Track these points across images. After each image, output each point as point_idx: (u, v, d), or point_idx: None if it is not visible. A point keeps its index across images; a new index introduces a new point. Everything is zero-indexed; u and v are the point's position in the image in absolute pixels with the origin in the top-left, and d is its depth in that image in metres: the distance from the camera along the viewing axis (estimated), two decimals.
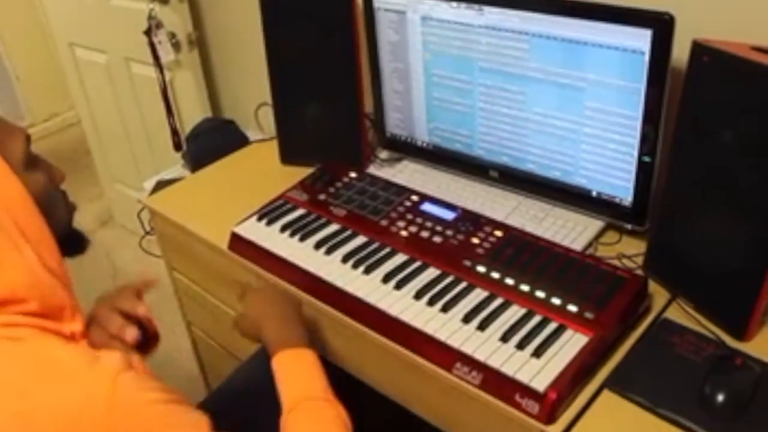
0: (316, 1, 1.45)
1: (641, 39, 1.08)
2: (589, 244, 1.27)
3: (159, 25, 1.96)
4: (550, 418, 0.95)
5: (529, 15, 1.19)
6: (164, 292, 1.74)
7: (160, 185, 1.83)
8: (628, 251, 1.25)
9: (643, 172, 1.19)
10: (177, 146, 2.16)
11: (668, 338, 1.07)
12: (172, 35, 2.00)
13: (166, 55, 2.00)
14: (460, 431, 1.11)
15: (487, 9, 1.25)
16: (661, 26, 1.06)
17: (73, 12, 2.37)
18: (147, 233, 1.73)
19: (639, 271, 1.18)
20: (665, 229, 1.15)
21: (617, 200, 1.26)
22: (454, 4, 1.29)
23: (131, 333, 0.99)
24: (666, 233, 1.15)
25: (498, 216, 1.33)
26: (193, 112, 2.13)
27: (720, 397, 0.95)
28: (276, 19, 1.49)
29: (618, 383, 1.00)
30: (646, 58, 1.09)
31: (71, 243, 0.98)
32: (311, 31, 1.47)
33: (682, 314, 1.12)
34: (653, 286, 1.15)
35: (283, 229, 1.34)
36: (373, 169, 1.58)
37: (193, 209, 1.54)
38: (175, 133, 2.16)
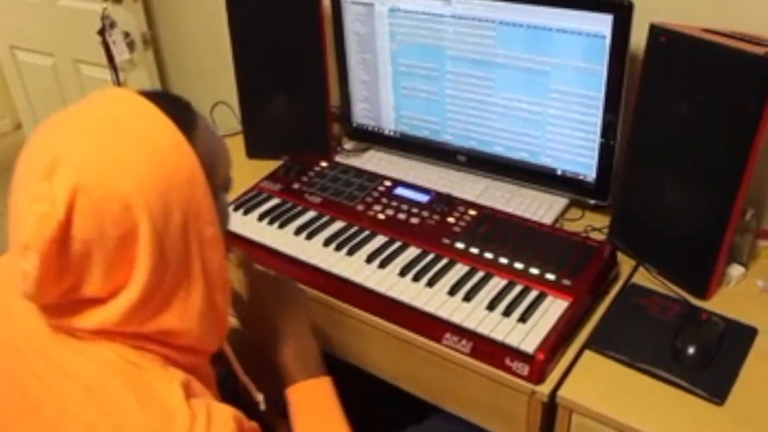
0: None
1: (602, 24, 1.16)
2: (556, 221, 1.35)
3: (113, 25, 1.95)
4: (539, 378, 1.01)
5: (494, 4, 1.26)
6: None
7: None
8: (594, 224, 1.33)
9: (605, 148, 1.27)
10: None
11: (638, 301, 1.15)
12: (126, 34, 1.99)
13: (121, 54, 1.98)
14: (452, 402, 1.15)
15: None
16: (621, 12, 1.14)
17: (14, 13, 2.31)
18: None
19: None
20: (627, 200, 1.23)
21: (581, 177, 1.34)
22: None
23: None
24: (627, 204, 1.23)
25: (468, 197, 1.39)
26: None
27: (691, 350, 1.03)
28: (242, 12, 1.51)
29: (598, 343, 1.08)
30: (608, 41, 1.17)
31: None
32: (277, 24, 1.50)
33: (648, 279, 1.20)
34: (620, 255, 1.23)
35: (261, 217, 1.37)
36: (340, 159, 1.62)
37: None
38: None
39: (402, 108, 1.53)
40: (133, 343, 0.75)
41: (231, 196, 1.42)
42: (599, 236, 1.29)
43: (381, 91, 1.54)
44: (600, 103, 1.23)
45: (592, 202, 1.35)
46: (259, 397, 0.96)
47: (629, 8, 1.13)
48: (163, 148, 0.72)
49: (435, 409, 1.18)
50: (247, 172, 1.56)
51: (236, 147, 1.69)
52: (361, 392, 1.17)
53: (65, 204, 0.67)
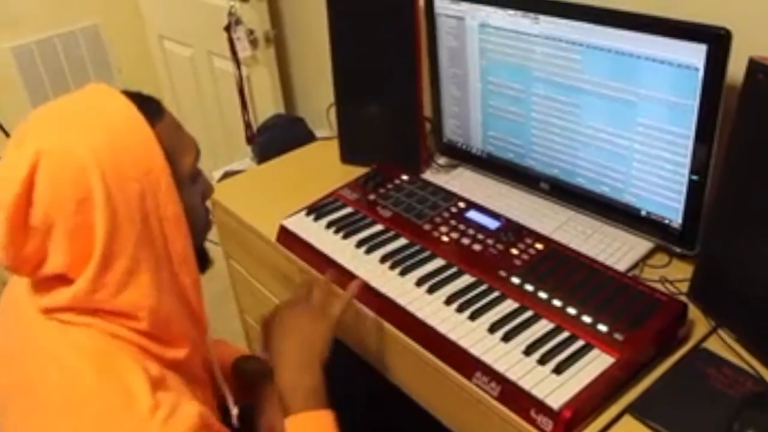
0: (381, 4, 1.47)
1: (696, 54, 1.04)
2: (635, 265, 1.23)
3: (238, 22, 2.03)
4: None
5: (582, 25, 1.17)
6: (224, 281, 1.80)
7: (227, 176, 1.90)
8: (676, 275, 1.20)
9: (694, 193, 1.14)
10: (249, 139, 2.23)
11: (703, 369, 1.02)
12: (250, 32, 2.07)
13: (243, 51, 2.07)
14: None
15: (542, 18, 1.23)
16: (717, 42, 1.01)
17: (163, 6, 2.49)
18: None
19: (681, 297, 1.13)
20: (713, 254, 1.10)
21: (666, 221, 1.21)
22: (511, 11, 1.28)
23: None
24: (713, 258, 1.10)
25: (546, 229, 1.31)
26: (266, 108, 2.20)
27: None
28: (342, 21, 1.53)
29: (641, 410, 0.97)
30: (701, 74, 1.05)
31: (198, 260, 0.93)
32: (375, 34, 1.49)
33: (722, 346, 1.06)
34: (695, 314, 1.11)
35: (329, 225, 1.37)
36: (429, 174, 1.59)
37: (250, 200, 1.59)
38: (248, 126, 2.23)
39: (489, 127, 1.46)
40: (111, 330, 0.80)
41: (312, 198, 1.46)
42: (674, 290, 1.16)
43: (470, 108, 1.48)
44: (689, 142, 1.10)
45: (678, 250, 1.22)
46: (234, 411, 0.96)
47: (726, 38, 1.00)
48: (122, 124, 0.80)
49: None
50: (337, 176, 1.57)
51: (332, 151, 1.71)
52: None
53: (29, 166, 0.75)
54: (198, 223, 0.92)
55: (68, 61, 3.50)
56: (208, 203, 1.00)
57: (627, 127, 1.19)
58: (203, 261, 0.98)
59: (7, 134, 2.49)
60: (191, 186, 0.90)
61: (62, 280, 0.80)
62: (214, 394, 0.99)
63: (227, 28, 2.06)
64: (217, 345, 1.14)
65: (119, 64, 3.71)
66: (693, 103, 1.07)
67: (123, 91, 0.85)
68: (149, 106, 0.84)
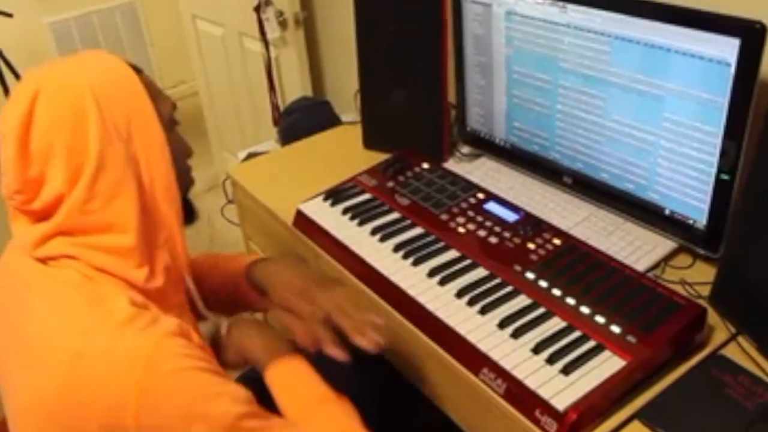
0: None
1: (728, 48, 0.99)
2: (656, 265, 1.19)
3: (268, 2, 2.02)
4: None
5: (611, 16, 1.12)
6: None
7: (251, 157, 1.89)
8: (697, 278, 1.16)
9: (721, 193, 1.10)
10: (276, 121, 2.22)
11: (720, 376, 0.99)
12: (280, 13, 2.05)
13: (272, 32, 2.05)
14: None
15: (570, 7, 1.19)
16: (752, 36, 0.97)
17: None
18: (229, 201, 1.79)
19: (701, 301, 1.09)
20: (736, 256, 1.06)
21: (690, 221, 1.17)
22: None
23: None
24: (737, 262, 1.05)
25: (567, 223, 1.28)
26: (294, 90, 2.18)
27: None
28: (368, 6, 1.50)
29: (651, 416, 0.94)
30: (732, 69, 1.00)
31: (183, 212, 1.00)
32: (401, 19, 1.47)
33: (741, 354, 1.02)
34: (715, 319, 1.07)
35: (345, 211, 1.35)
36: (452, 163, 1.56)
37: (269, 182, 1.58)
38: (275, 108, 2.23)
39: (514, 118, 1.43)
40: (96, 264, 0.87)
41: (331, 183, 1.44)
42: (700, 292, 1.12)
43: (495, 97, 1.45)
44: (718, 141, 1.06)
45: (701, 251, 1.17)
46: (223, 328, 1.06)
47: (761, 32, 0.95)
48: (113, 68, 0.92)
49: None
50: (359, 161, 1.56)
51: (355, 136, 1.69)
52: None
53: (30, 97, 0.85)
54: (180, 172, 0.97)
55: (104, 36, 3.54)
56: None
57: (654, 122, 1.14)
58: (189, 213, 1.05)
59: None
60: (170, 132, 0.96)
61: (57, 207, 0.87)
62: (195, 318, 1.07)
63: (257, 9, 2.04)
64: (231, 259, 1.23)
65: (152, 38, 3.75)
66: (723, 100, 1.03)
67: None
68: (135, 67, 0.95)
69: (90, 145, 0.86)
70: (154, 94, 0.95)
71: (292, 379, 0.99)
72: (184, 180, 1.03)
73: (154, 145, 0.91)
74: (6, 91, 2.76)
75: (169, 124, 0.97)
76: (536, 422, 0.93)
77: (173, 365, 0.81)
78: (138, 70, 0.95)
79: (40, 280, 0.88)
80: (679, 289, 1.12)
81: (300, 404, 0.96)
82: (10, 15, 2.74)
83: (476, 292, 1.11)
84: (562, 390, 0.93)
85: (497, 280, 1.13)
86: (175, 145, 0.96)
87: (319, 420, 0.95)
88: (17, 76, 2.75)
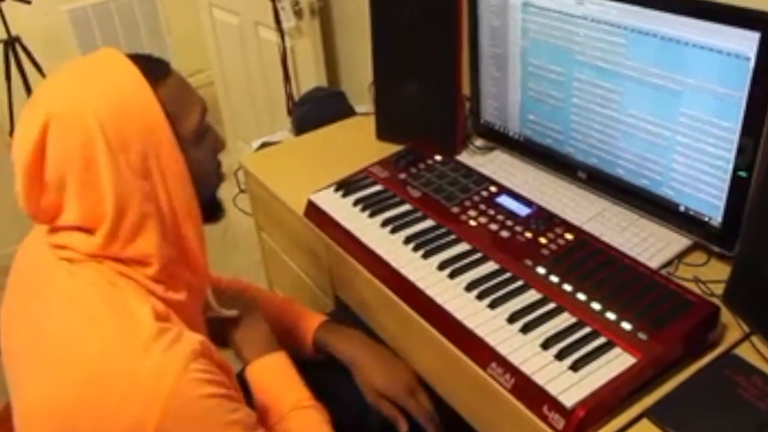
0: None
1: (747, 42, 0.97)
2: (669, 262, 1.18)
3: None
4: None
5: (627, 7, 1.11)
6: (257, 254, 1.81)
7: (264, 146, 1.89)
8: (711, 276, 1.14)
9: (737, 190, 1.08)
10: (290, 111, 2.22)
11: (732, 376, 0.97)
12: (296, 2, 2.04)
13: (288, 21, 2.05)
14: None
15: None
16: None
17: None
18: (241, 191, 1.79)
19: (715, 299, 1.08)
20: (752, 256, 1.04)
21: (706, 218, 1.15)
22: None
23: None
24: (752, 260, 1.04)
25: (580, 219, 1.27)
26: (309, 80, 2.18)
27: None
28: None
29: (660, 414, 0.92)
30: (752, 64, 0.98)
31: (210, 210, 1.01)
32: (416, 11, 1.46)
33: (755, 354, 1.01)
34: (728, 318, 1.05)
35: (356, 202, 1.35)
36: (465, 156, 1.55)
37: (281, 172, 1.58)
38: (289, 98, 2.22)
39: (528, 111, 1.41)
40: (120, 270, 0.86)
41: (344, 174, 1.43)
42: (713, 290, 1.10)
43: (509, 89, 1.43)
44: (735, 137, 1.04)
45: (716, 249, 1.16)
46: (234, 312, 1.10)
47: None
48: (126, 88, 0.85)
49: None
50: (372, 153, 1.55)
51: (369, 127, 1.69)
52: None
53: (40, 127, 0.82)
54: (207, 177, 0.97)
55: (122, 24, 3.55)
56: (223, 159, 1.04)
57: (670, 117, 1.13)
58: (216, 211, 1.04)
59: None
60: (198, 143, 0.93)
61: (78, 228, 0.87)
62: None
63: None
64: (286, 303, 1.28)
65: (169, 26, 3.75)
66: (741, 95, 1.01)
67: (130, 54, 0.89)
68: (154, 69, 0.89)
69: (105, 192, 0.84)
70: (178, 106, 0.89)
71: (275, 378, 1.02)
72: (214, 181, 1.01)
73: (173, 176, 0.88)
74: (26, 84, 2.75)
75: (196, 137, 0.92)
76: (544, 418, 0.92)
77: (196, 392, 0.81)
78: (163, 74, 0.89)
79: (61, 274, 0.87)
80: (692, 286, 1.10)
81: (281, 406, 1.00)
82: (28, 2, 2.75)
83: (486, 285, 1.10)
84: (570, 386, 0.92)
85: (508, 274, 1.12)
86: (201, 155, 0.93)
87: (296, 424, 1.00)
88: (37, 66, 2.76)
